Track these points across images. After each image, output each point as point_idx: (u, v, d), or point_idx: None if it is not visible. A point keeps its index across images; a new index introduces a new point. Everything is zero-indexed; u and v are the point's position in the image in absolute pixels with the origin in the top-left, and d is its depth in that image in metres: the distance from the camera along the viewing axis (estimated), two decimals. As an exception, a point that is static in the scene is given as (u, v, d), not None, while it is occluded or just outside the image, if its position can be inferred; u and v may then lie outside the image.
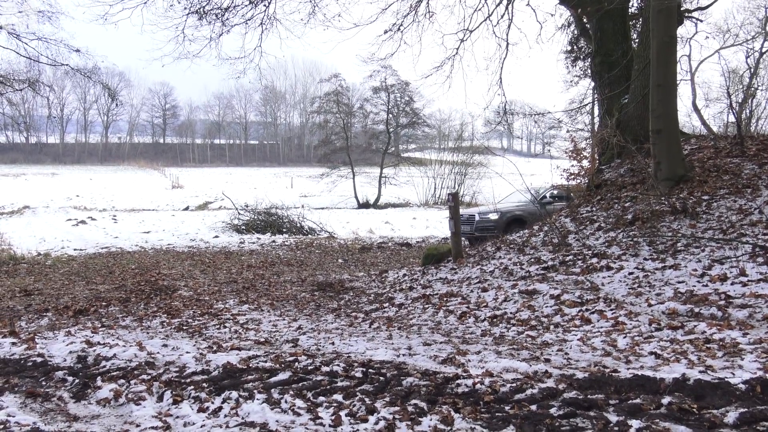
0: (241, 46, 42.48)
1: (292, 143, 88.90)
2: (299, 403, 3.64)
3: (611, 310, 5.65)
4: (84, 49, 13.95)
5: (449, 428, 3.22)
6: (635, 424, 3.06)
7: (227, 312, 7.23)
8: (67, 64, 14.08)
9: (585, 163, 11.91)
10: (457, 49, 14.94)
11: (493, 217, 15.07)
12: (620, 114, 10.76)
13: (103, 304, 7.79)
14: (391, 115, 43.56)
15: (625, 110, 10.90)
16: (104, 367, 4.48)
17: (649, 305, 5.63)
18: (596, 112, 17.61)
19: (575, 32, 16.17)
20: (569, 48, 18.16)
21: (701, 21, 16.34)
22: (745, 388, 3.35)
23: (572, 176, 12.70)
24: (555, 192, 15.84)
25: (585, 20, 13.75)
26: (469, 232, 15.35)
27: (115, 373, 4.32)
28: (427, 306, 7.09)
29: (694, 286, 5.92)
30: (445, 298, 7.22)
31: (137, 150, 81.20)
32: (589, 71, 15.51)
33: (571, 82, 21.13)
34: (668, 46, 8.96)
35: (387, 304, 7.49)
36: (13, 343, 5.11)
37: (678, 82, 10.34)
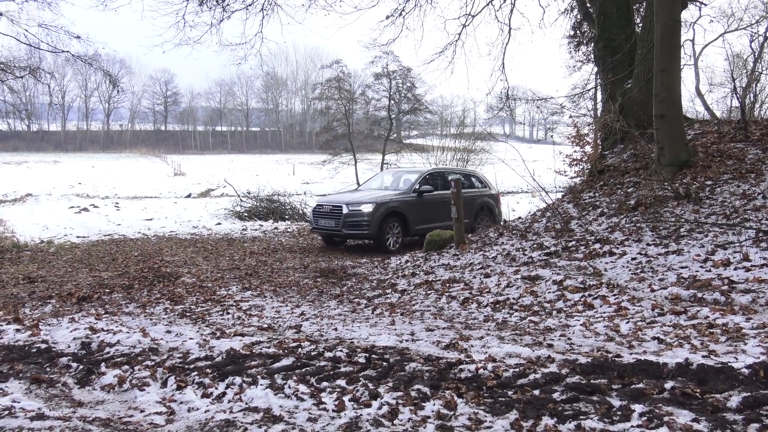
0: (242, 32, 42.36)
1: (294, 130, 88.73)
2: (302, 388, 3.65)
3: (614, 295, 5.65)
4: (84, 36, 13.94)
5: (452, 413, 3.23)
6: (638, 408, 3.07)
7: (230, 298, 7.24)
8: (67, 51, 14.06)
9: (588, 148, 11.84)
10: (459, 34, 14.87)
11: (367, 209, 12.00)
12: (623, 99, 10.70)
13: (107, 290, 7.81)
14: (392, 102, 43.37)
15: (628, 95, 10.84)
16: (108, 353, 4.50)
17: (652, 290, 5.63)
18: (599, 97, 17.54)
19: (578, 16, 16.06)
20: (572, 33, 18.07)
21: (705, 5, 16.25)
22: (749, 373, 3.35)
23: (575, 162, 12.66)
24: (453, 175, 13.43)
25: (588, 4, 13.65)
26: (332, 230, 12.37)
27: (119, 359, 4.33)
28: (429, 292, 7.10)
29: (697, 271, 5.91)
30: (447, 284, 7.22)
31: (139, 137, 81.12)
32: (592, 56, 15.42)
33: (573, 67, 21.05)
34: (672, 30, 8.89)
35: (389, 290, 7.49)
36: (18, 330, 5.12)
37: (681, 66, 10.27)
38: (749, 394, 3.11)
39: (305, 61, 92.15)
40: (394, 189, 13.47)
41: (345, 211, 12.06)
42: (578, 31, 17.54)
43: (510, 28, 14.47)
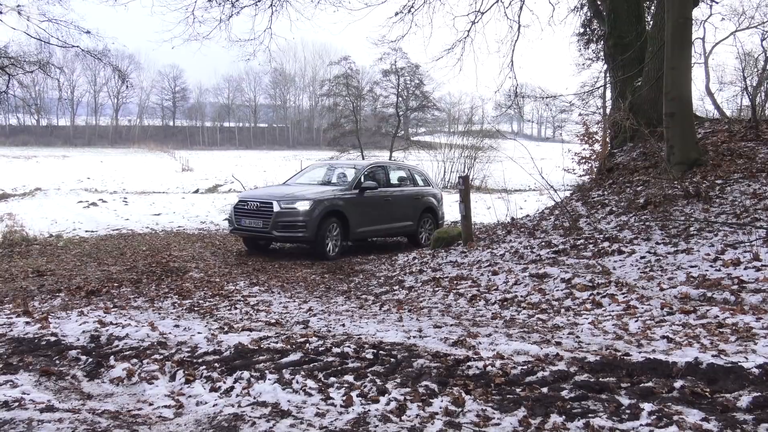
0: (251, 28, 42.22)
1: (302, 126, 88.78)
2: (310, 383, 3.65)
3: (623, 294, 5.62)
4: (94, 31, 13.91)
5: (460, 409, 3.22)
6: (647, 407, 3.05)
7: (238, 293, 7.26)
8: (77, 46, 14.06)
9: (597, 146, 11.81)
10: (468, 31, 14.82)
11: (303, 206, 10.14)
12: (633, 97, 10.65)
13: (115, 284, 7.84)
14: (400, 99, 43.37)
15: (638, 93, 10.79)
16: (117, 346, 4.51)
17: (661, 289, 5.60)
18: (608, 95, 17.45)
19: (588, 14, 15.96)
20: (582, 30, 17.95)
21: (716, 2, 16.08)
22: (759, 373, 3.33)
23: (583, 160, 12.63)
24: (399, 171, 12.67)
25: (598, 2, 13.57)
26: (259, 231, 10.45)
27: (127, 353, 4.35)
28: (437, 289, 7.09)
29: (707, 270, 5.88)
30: (455, 281, 7.21)
31: (147, 133, 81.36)
32: (602, 54, 15.33)
33: (583, 65, 20.91)
34: (683, 28, 8.83)
35: (397, 287, 7.49)
36: (27, 323, 5.15)
37: (692, 65, 10.21)
38: (759, 394, 3.09)
39: (313, 58, 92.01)
40: (330, 184, 11.65)
41: (276, 209, 10.05)
42: (588, 29, 17.43)
43: (519, 26, 14.42)
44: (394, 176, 12.53)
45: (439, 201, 13.14)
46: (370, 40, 29.49)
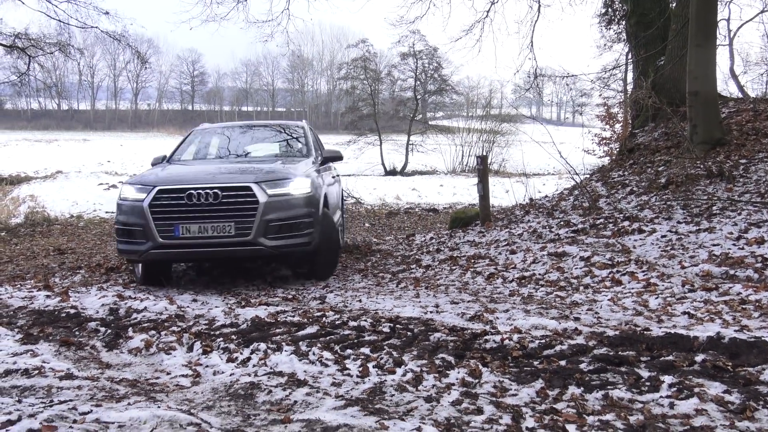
0: (269, 8, 42.27)
1: (319, 110, 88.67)
2: (327, 354, 3.65)
3: (643, 272, 5.54)
4: (113, 12, 14.00)
5: (477, 381, 3.20)
6: (667, 379, 3.00)
7: (255, 270, 7.28)
8: (96, 27, 14.13)
9: (618, 127, 11.64)
10: (488, 11, 14.62)
11: (302, 189, 6.21)
12: (655, 76, 10.46)
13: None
14: (418, 82, 43.13)
15: (661, 72, 10.59)
16: (135, 319, 4.55)
17: (683, 267, 5.52)
18: (629, 78, 17.15)
19: (610, -8, 15.66)
20: (603, 10, 17.62)
21: (743, -20, 15.68)
22: (783, 347, 3.26)
23: (603, 141, 12.46)
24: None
25: (621, -21, 13.31)
26: (227, 243, 5.85)
27: (146, 325, 4.38)
28: (454, 267, 7.06)
29: (730, 248, 5.77)
30: (472, 260, 7.17)
31: (166, 117, 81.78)
32: (624, 34, 15.06)
33: (604, 46, 20.53)
34: (709, 4, 8.63)
35: (414, 266, 7.47)
36: (48, 296, 5.22)
37: (716, 46, 9.98)
38: (784, 367, 3.03)
39: (331, 41, 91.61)
40: (277, 155, 7.80)
41: (261, 197, 5.88)
42: (610, 9, 17.11)
43: (539, 5, 14.18)
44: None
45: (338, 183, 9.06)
46: (388, 21, 29.26)
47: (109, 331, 4.30)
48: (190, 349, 3.93)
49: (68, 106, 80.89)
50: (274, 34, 16.58)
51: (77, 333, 4.31)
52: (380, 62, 46.75)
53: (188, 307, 4.89)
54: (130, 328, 4.32)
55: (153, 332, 4.22)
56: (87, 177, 25.22)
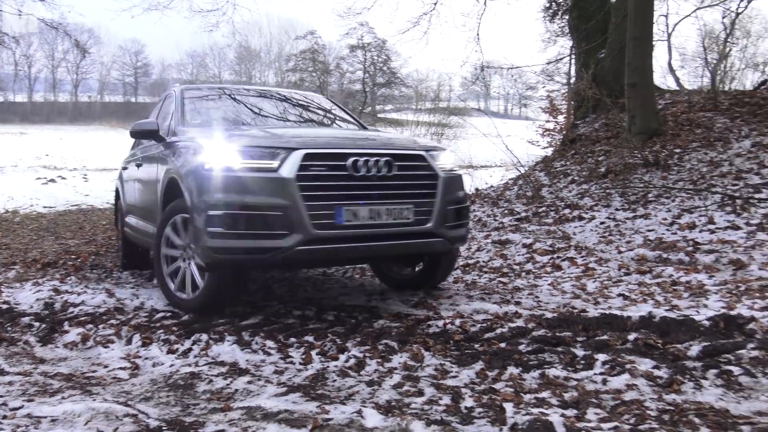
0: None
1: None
2: (270, 343, 3.63)
3: (582, 257, 5.71)
4: (48, -1, 13.44)
5: (419, 364, 3.24)
6: (601, 357, 3.11)
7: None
8: (31, 14, 13.57)
9: (561, 118, 11.92)
10: (435, 3, 14.72)
11: (448, 162, 4.55)
12: (596, 68, 10.74)
13: (73, 257, 7.66)
14: (367, 75, 43.14)
15: (601, 64, 10.88)
16: (72, 312, 4.41)
17: (619, 252, 5.70)
18: (572, 72, 17.52)
19: (553, -13, 15.99)
20: (547, 4, 17.98)
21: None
22: (709, 324, 3.42)
23: (546, 132, 12.73)
24: None
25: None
26: (402, 232, 4.18)
27: (83, 318, 4.26)
28: (401, 257, 7.09)
29: (664, 233, 6.00)
30: (419, 249, 7.22)
31: (108, 109, 79.30)
32: (567, 27, 15.40)
33: (548, 39, 20.93)
34: (645, -2, 8.90)
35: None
36: (-22, 292, 5.00)
37: (654, 42, 10.31)
38: (709, 343, 3.17)
39: (279, 33, 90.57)
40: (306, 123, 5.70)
41: (441, 173, 4.36)
42: (553, 3, 17.47)
43: (485, -2, 14.34)
44: None
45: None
46: (336, 12, 29.18)
47: (44, 325, 4.16)
48: (129, 341, 3.84)
49: (3, 98, 77.49)
50: (220, 24, 16.23)
51: (9, 329, 4.15)
52: (329, 54, 46.59)
53: (127, 299, 4.77)
54: (66, 322, 4.19)
55: (90, 326, 4.10)
56: (24, 171, 24.32)
